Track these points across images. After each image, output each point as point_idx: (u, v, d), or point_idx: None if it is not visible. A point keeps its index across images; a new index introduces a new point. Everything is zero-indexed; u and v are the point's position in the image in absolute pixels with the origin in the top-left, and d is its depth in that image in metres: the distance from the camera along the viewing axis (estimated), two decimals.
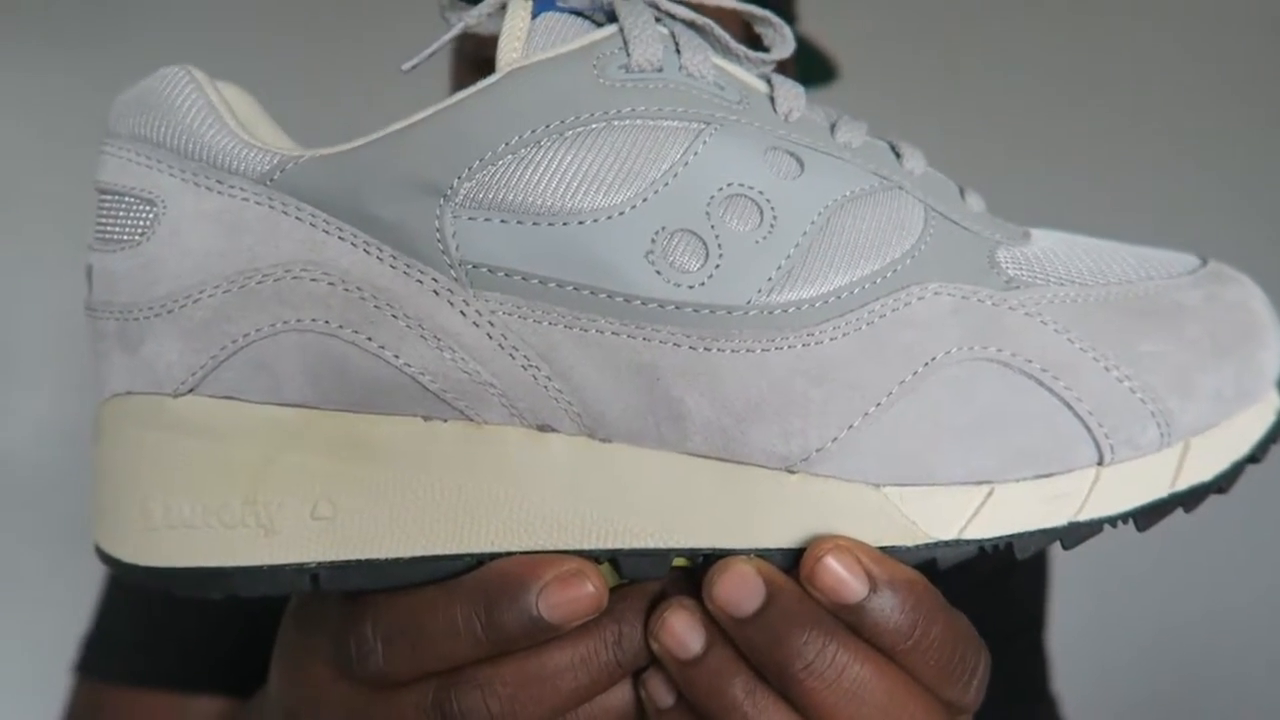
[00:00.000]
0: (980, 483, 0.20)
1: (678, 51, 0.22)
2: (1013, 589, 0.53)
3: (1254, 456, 0.23)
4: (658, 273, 0.20)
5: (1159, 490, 0.21)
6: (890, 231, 0.22)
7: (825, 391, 0.20)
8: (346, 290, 0.20)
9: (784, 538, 0.21)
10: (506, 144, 0.20)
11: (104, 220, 0.22)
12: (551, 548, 0.21)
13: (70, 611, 0.49)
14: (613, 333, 0.20)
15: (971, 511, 0.20)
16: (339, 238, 0.20)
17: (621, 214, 0.20)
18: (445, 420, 0.21)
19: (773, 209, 0.21)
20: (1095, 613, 1.02)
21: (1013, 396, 0.20)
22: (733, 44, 0.24)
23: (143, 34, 1.03)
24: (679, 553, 0.21)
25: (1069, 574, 0.58)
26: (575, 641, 0.20)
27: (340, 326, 0.20)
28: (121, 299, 0.21)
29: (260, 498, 0.20)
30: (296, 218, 0.20)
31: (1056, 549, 0.60)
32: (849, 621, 0.20)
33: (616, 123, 0.21)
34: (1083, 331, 0.21)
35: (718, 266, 0.20)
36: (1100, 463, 0.21)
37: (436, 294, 0.20)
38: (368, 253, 0.20)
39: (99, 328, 0.22)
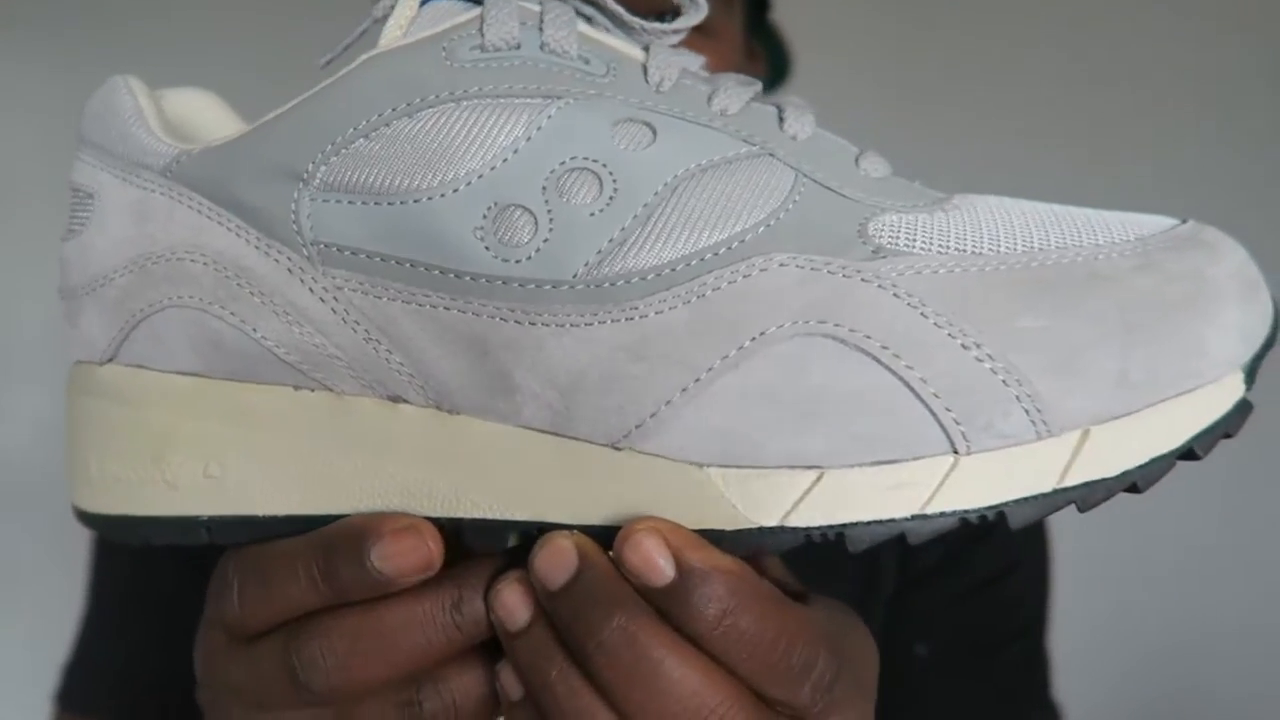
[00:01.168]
0: (809, 467, 0.19)
1: (541, 28, 0.22)
2: (1008, 592, 0.48)
3: (1189, 452, 0.20)
4: (486, 248, 0.21)
5: (1041, 484, 0.19)
6: (744, 200, 0.21)
7: (645, 366, 0.20)
8: (217, 270, 0.22)
9: (611, 515, 0.21)
10: (355, 128, 0.21)
11: (71, 215, 0.25)
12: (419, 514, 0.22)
13: (70, 611, 0.51)
14: (445, 307, 0.21)
15: (797, 497, 0.19)
16: (217, 223, 0.22)
17: (456, 191, 0.21)
18: (312, 390, 0.22)
19: (614, 181, 0.21)
20: (1096, 618, 1.00)
21: (848, 375, 0.19)
22: (625, 15, 0.24)
23: (145, 32, 1.04)
24: (515, 526, 0.21)
25: (1070, 578, 0.55)
26: (414, 600, 0.21)
27: (210, 303, 0.22)
28: (70, 281, 0.24)
29: (165, 456, 0.23)
30: (188, 206, 0.23)
31: (1057, 545, 0.54)
32: (658, 605, 0.19)
33: (465, 102, 0.21)
34: (944, 305, 0.19)
35: (546, 240, 0.21)
36: (955, 450, 0.19)
37: (290, 272, 0.22)
38: (238, 236, 0.22)
39: (63, 307, 0.25)
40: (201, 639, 0.24)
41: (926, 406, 0.19)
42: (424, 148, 0.21)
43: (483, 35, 0.22)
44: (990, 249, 0.21)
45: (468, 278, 0.21)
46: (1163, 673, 1.06)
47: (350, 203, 0.21)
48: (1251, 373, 0.21)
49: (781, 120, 0.22)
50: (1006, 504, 0.19)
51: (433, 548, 0.21)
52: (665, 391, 0.20)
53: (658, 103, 0.22)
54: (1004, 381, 0.19)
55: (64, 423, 0.25)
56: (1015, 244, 0.21)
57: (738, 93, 0.22)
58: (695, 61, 0.25)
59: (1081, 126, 1.07)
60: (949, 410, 0.19)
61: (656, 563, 0.19)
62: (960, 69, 1.07)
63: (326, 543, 0.21)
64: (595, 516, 0.21)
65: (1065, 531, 0.49)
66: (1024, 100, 1.07)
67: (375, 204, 0.21)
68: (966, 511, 0.19)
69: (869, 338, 0.19)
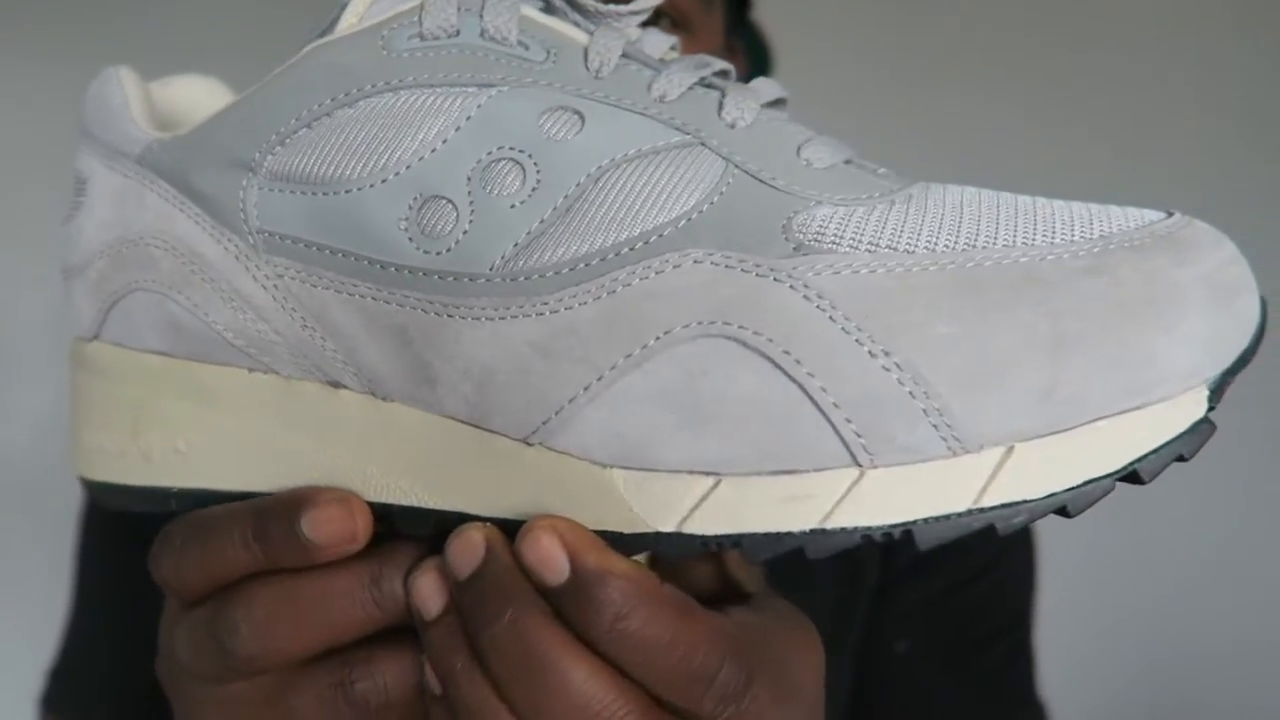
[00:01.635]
0: (707, 473, 0.19)
1: (481, 14, 0.22)
2: (991, 590, 0.47)
3: (1133, 475, 0.18)
4: (409, 239, 0.21)
5: (954, 503, 0.18)
6: (667, 193, 0.20)
7: (551, 363, 0.20)
8: (175, 256, 0.23)
9: (523, 510, 0.21)
10: (297, 118, 0.22)
11: (72, 199, 0.27)
12: None
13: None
14: (372, 297, 0.21)
15: (693, 503, 0.19)
16: (180, 210, 0.23)
17: (384, 181, 0.21)
18: (264, 373, 0.23)
19: (538, 172, 0.20)
20: (1089, 620, 0.98)
21: (746, 380, 0.18)
22: None
23: (155, 22, 1.01)
24: (438, 514, 0.21)
25: (1064, 579, 0.54)
26: (336, 572, 0.22)
27: (169, 288, 0.23)
28: (67, 261, 0.26)
29: (140, 430, 0.25)
30: (157, 193, 0.24)
31: (1052, 545, 0.51)
32: (554, 605, 0.19)
33: (402, 92, 0.22)
34: (856, 308, 0.18)
35: (465, 233, 0.20)
36: (858, 463, 0.18)
37: (237, 259, 0.22)
38: (197, 224, 0.23)
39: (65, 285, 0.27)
40: (165, 610, 0.25)
41: (825, 416, 0.18)
42: (357, 139, 0.21)
43: (421, 23, 0.22)
44: (925, 247, 0.19)
45: (392, 268, 0.21)
46: (1156, 675, 1.04)
47: (292, 192, 0.22)
48: (1218, 390, 0.18)
49: (721, 106, 0.21)
50: (914, 522, 0.18)
51: (359, 522, 0.21)
52: (569, 389, 0.20)
53: (594, 89, 0.21)
54: (910, 393, 0.18)
55: (66, 414, 0.27)
56: (956, 241, 0.19)
57: (680, 77, 0.22)
58: (664, 42, 0.24)
59: (1079, 116, 1.04)
60: (849, 421, 0.18)
61: (552, 561, 0.19)
62: (951, 58, 1.05)
63: (262, 507, 0.22)
64: (509, 510, 0.21)
65: (1063, 532, 0.47)
66: (1018, 90, 1.05)
67: (312, 194, 0.22)
68: (869, 529, 0.18)
69: (771, 341, 0.18)
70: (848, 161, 0.22)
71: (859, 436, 0.18)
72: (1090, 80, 1.04)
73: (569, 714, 0.19)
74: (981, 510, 0.18)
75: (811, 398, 0.18)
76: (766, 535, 0.18)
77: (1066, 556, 0.52)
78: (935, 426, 0.18)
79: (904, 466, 0.18)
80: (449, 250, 0.21)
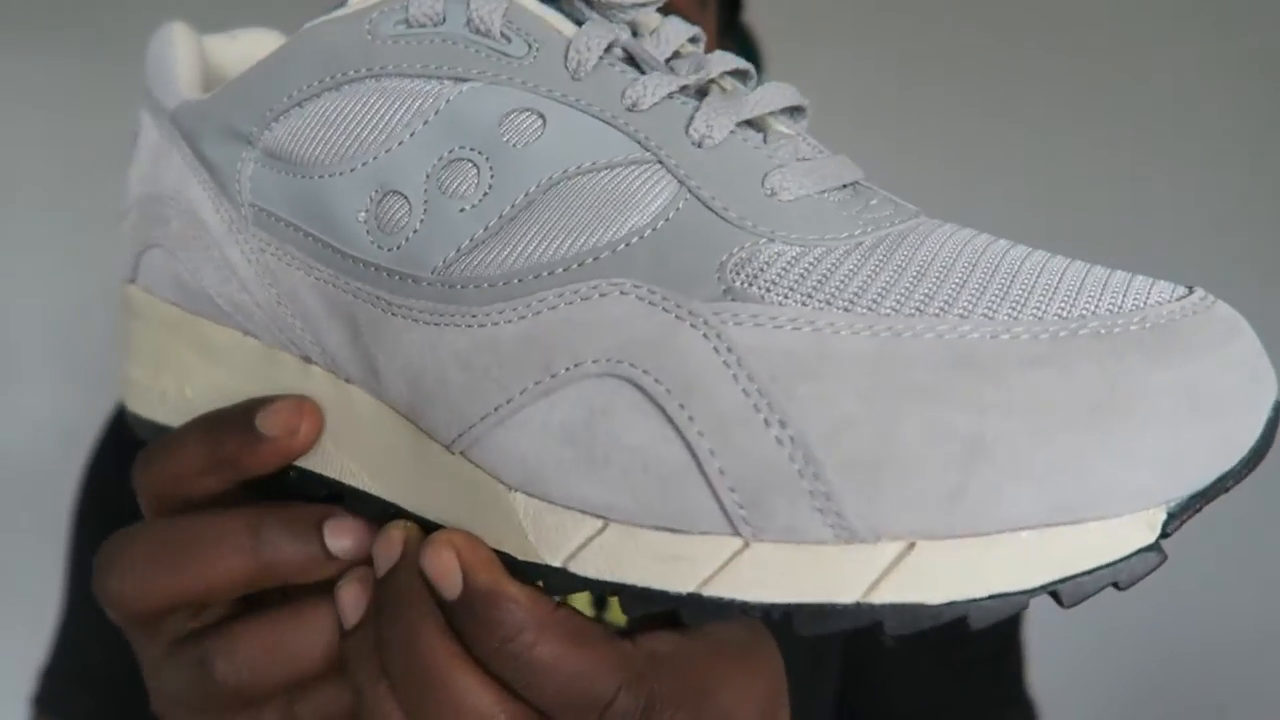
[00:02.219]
0: (597, 515, 0.18)
1: (468, 1, 0.21)
2: None
3: (1054, 594, 0.16)
4: (366, 232, 0.21)
5: (841, 594, 0.17)
6: (613, 213, 0.19)
7: (468, 377, 0.19)
8: (182, 218, 0.24)
9: (442, 515, 0.21)
10: (289, 97, 0.22)
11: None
12: (303, 466, 0.23)
13: None
14: (332, 284, 0.22)
15: (580, 542, 0.18)
16: (194, 174, 0.24)
17: (352, 170, 0.21)
18: (257, 338, 0.24)
19: (491, 176, 0.20)
20: (1085, 620, 0.85)
21: (637, 429, 0.17)
22: None
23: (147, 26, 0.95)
24: (380, 502, 0.22)
25: None
26: (217, 514, 0.22)
27: (175, 249, 0.24)
28: (121, 205, 0.28)
29: (160, 371, 0.26)
30: (180, 155, 0.25)
31: None
32: (448, 616, 0.19)
33: (384, 80, 0.21)
34: (763, 369, 0.17)
35: (415, 232, 0.20)
36: (739, 534, 0.17)
37: (230, 229, 0.23)
38: (204, 189, 0.24)
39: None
40: None
41: (709, 482, 0.17)
42: (334, 124, 0.21)
43: (407, 9, 0.21)
44: (868, 305, 0.17)
45: (350, 259, 0.21)
46: (1157, 679, 1.02)
47: (278, 170, 0.22)
48: (1180, 513, 0.16)
49: (690, 121, 0.20)
50: (794, 606, 0.17)
51: (305, 420, 0.22)
52: (480, 408, 0.19)
53: (567, 91, 0.20)
54: (799, 472, 0.16)
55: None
56: (904, 303, 0.17)
57: (657, 85, 0.20)
58: (684, 32, 0.22)
59: (1081, 116, 0.98)
60: (733, 491, 0.17)
61: (447, 576, 0.19)
62: (947, 59, 0.99)
63: (222, 411, 0.23)
64: (433, 512, 0.21)
65: None
66: (1017, 92, 0.99)
67: (291, 174, 0.22)
68: (746, 604, 0.17)
69: (669, 393, 0.17)
70: (844, 187, 0.20)
71: (740, 508, 0.17)
72: (1091, 82, 0.98)
73: None
74: (870, 606, 0.16)
75: (698, 460, 0.17)
76: (643, 590, 0.18)
77: None
78: (820, 511, 0.16)
79: (790, 546, 0.17)
80: (399, 248, 0.20)
